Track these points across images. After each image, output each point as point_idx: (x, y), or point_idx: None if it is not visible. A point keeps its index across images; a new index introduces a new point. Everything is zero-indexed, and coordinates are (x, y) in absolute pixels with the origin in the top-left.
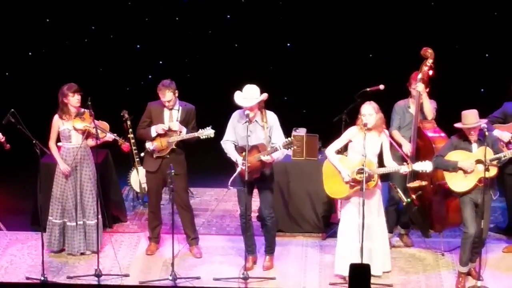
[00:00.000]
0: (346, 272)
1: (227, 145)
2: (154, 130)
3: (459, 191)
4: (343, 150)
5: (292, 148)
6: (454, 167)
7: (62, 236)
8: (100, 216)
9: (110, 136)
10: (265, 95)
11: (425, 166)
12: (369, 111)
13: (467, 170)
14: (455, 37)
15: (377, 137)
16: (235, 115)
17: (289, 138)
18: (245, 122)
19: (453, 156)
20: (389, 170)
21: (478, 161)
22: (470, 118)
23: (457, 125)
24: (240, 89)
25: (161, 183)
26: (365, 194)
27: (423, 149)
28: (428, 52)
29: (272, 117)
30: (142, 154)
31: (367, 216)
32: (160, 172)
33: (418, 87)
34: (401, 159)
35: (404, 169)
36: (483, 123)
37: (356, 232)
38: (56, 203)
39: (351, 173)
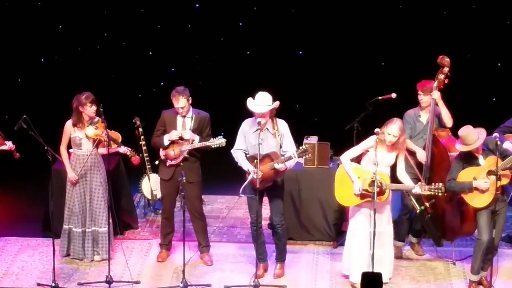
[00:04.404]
0: (354, 278)
1: (238, 154)
2: (166, 139)
3: (483, 206)
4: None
5: (306, 156)
6: (470, 188)
7: (68, 241)
8: (111, 221)
9: (122, 149)
10: (277, 103)
11: (438, 189)
12: (394, 133)
13: (483, 189)
14: (467, 46)
15: (394, 152)
16: (245, 123)
17: (303, 146)
18: (256, 130)
19: (465, 175)
20: (402, 188)
21: (490, 172)
22: (471, 137)
23: (461, 148)
24: (252, 96)
25: (175, 190)
26: (375, 204)
27: (438, 157)
28: (445, 60)
29: (283, 125)
30: (157, 162)
31: (378, 225)
32: (173, 180)
33: (434, 95)
34: (415, 166)
35: (417, 190)
36: (482, 134)
37: (366, 240)
38: (66, 209)
39: (362, 184)
